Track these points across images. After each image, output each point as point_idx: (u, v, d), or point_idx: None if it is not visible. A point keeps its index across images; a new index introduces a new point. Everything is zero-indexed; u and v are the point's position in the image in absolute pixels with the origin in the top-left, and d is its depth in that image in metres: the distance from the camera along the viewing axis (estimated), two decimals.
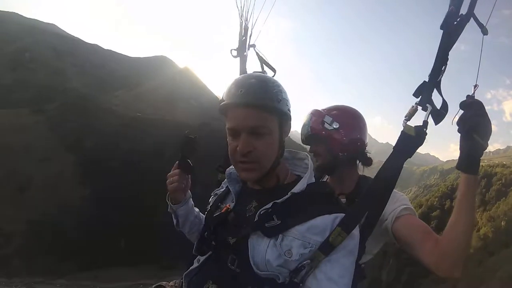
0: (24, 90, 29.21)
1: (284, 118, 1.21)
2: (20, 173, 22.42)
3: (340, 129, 1.74)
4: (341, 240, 1.06)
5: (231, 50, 2.06)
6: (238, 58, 2.09)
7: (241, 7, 2.08)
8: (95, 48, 42.52)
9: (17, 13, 46.69)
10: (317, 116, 1.80)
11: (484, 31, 1.25)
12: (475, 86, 1.26)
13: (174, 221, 1.57)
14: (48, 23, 47.30)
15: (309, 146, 1.89)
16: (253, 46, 2.07)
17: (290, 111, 1.22)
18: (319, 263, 1.05)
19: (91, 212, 21.61)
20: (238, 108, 1.13)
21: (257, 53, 2.00)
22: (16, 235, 19.74)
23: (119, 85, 35.37)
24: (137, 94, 33.59)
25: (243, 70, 2.07)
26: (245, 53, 2.07)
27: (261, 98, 1.13)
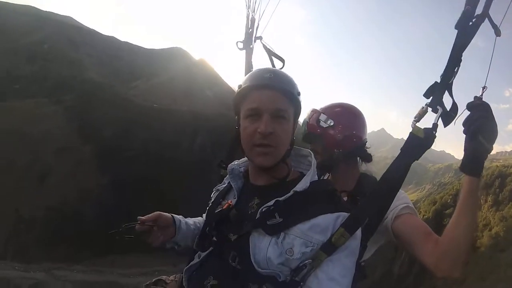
0: (42, 81, 29.62)
1: (298, 111, 1.26)
2: (40, 162, 22.97)
3: (335, 126, 1.76)
4: (344, 241, 1.06)
5: (237, 43, 2.03)
6: (244, 51, 2.05)
7: None
8: (111, 39, 42.77)
9: (32, 6, 47.22)
10: (313, 115, 1.83)
11: (498, 33, 1.23)
12: (484, 87, 1.23)
13: (175, 247, 1.53)
14: (64, 15, 47.63)
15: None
16: (260, 38, 2.03)
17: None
18: (320, 263, 1.05)
19: (109, 200, 22.03)
20: (264, 89, 1.16)
21: (264, 45, 1.97)
22: (35, 222, 20.35)
23: (136, 76, 35.55)
24: (154, 85, 33.70)
25: (248, 63, 2.03)
26: (251, 46, 2.04)
27: (287, 85, 1.19)
